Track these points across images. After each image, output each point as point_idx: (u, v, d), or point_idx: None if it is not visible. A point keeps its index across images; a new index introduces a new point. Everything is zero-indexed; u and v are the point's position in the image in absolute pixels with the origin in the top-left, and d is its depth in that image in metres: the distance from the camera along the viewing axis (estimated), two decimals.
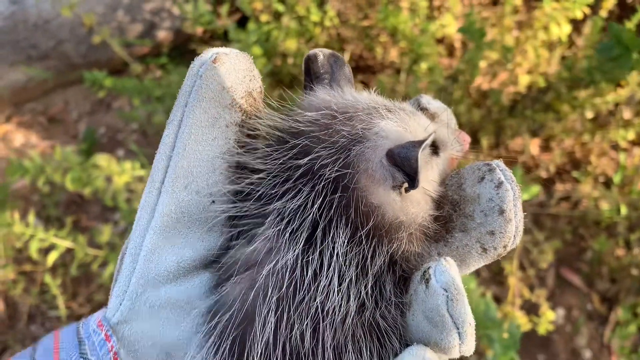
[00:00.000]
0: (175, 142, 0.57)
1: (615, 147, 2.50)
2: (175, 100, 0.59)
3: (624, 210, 2.19)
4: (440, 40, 2.66)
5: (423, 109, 0.68)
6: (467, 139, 0.69)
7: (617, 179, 2.38)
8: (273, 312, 0.54)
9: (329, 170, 0.55)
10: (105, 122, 3.04)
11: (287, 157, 0.58)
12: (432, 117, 0.68)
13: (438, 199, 0.62)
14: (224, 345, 0.55)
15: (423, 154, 0.54)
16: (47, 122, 3.11)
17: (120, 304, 0.57)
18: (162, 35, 3.08)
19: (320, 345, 0.54)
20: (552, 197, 2.43)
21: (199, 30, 3.01)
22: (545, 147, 2.53)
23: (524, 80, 2.20)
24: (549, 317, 1.74)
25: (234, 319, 0.55)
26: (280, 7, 2.43)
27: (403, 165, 0.54)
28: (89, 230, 2.62)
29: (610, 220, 2.26)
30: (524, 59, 2.21)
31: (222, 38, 2.99)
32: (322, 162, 0.56)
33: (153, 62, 3.08)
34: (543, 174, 2.46)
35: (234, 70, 0.58)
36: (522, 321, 1.77)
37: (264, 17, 2.44)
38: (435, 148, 0.64)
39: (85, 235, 2.30)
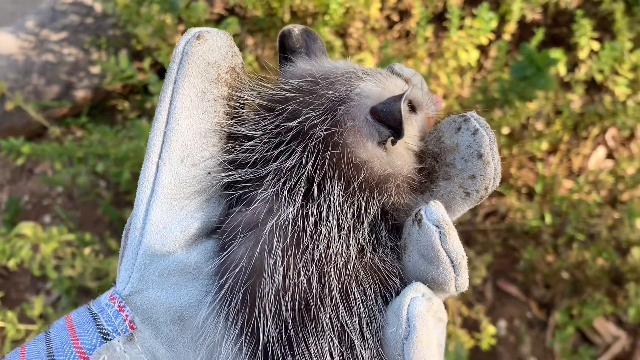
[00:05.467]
0: (168, 118, 0.59)
1: (533, 158, 2.63)
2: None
3: (548, 218, 2.30)
4: None
5: (396, 74, 0.72)
6: (440, 99, 0.74)
7: (538, 188, 2.50)
8: (280, 262, 0.56)
9: (318, 130, 0.59)
10: (28, 188, 2.93)
11: (277, 122, 0.61)
12: (405, 81, 0.71)
13: (420, 153, 0.66)
14: (236, 298, 0.57)
15: (404, 107, 0.57)
16: None
17: (130, 276, 0.59)
18: (81, 94, 3.03)
19: (327, 289, 0.57)
20: (477, 215, 2.52)
21: (119, 86, 2.98)
22: None
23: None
24: (490, 332, 1.79)
25: (242, 274, 0.57)
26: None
27: (387, 120, 0.58)
28: (20, 303, 2.49)
29: (536, 229, 2.37)
30: (438, 86, 2.32)
31: (142, 92, 2.97)
32: (311, 123, 0.59)
33: (73, 123, 3.01)
34: None
35: (216, 47, 0.61)
36: (465, 339, 1.81)
37: None
38: (412, 107, 0.68)
39: (16, 309, 2.19)
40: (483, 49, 2.68)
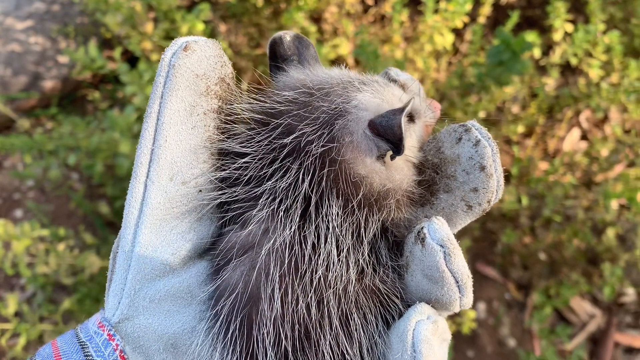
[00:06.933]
0: (155, 134, 0.56)
1: (509, 141, 2.65)
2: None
3: (525, 201, 2.32)
4: (335, 61, 2.72)
5: (393, 81, 0.69)
6: (438, 106, 0.71)
7: (514, 171, 2.52)
8: (277, 289, 0.54)
9: (314, 146, 0.56)
10: None
11: (271, 137, 0.58)
12: (402, 87, 0.69)
13: (419, 164, 0.64)
14: (233, 327, 0.55)
15: (404, 121, 0.55)
16: None
17: (119, 302, 0.57)
18: (49, 85, 2.94)
19: (326, 315, 0.55)
20: None
21: (89, 75, 2.91)
22: None
23: None
24: (470, 316, 1.81)
25: (239, 301, 0.55)
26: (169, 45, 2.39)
27: (386, 134, 0.56)
28: None
29: (514, 212, 2.39)
30: (414, 70, 2.30)
31: (113, 81, 2.90)
32: (307, 139, 0.56)
33: (42, 114, 2.93)
34: None
35: (205, 58, 0.58)
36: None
37: (154, 56, 2.39)
38: (410, 116, 0.65)
39: None
40: (458, 33, 2.68)
